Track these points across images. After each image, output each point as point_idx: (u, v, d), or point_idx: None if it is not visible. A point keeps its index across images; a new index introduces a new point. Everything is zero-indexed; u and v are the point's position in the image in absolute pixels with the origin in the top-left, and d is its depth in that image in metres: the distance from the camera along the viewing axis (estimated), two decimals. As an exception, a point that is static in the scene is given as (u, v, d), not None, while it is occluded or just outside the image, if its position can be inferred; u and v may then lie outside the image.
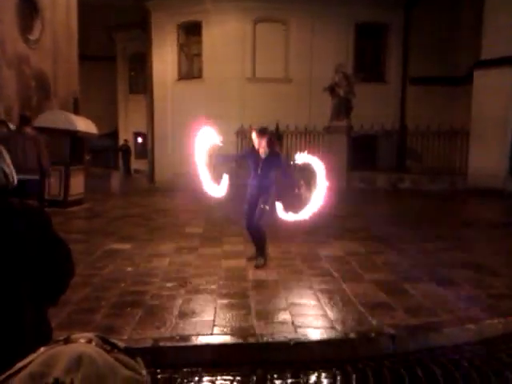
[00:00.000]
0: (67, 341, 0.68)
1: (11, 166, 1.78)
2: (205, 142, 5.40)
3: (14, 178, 1.78)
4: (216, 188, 5.61)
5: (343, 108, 15.58)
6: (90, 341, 0.67)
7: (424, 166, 16.21)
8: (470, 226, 9.25)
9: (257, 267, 5.83)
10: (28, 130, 8.09)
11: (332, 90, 15.63)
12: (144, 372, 0.67)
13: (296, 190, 5.58)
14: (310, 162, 5.53)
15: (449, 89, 17.81)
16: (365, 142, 16.38)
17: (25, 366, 0.64)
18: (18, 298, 1.71)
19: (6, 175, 1.73)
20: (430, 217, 10.53)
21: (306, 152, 5.66)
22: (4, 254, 1.69)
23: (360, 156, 15.89)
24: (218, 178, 5.63)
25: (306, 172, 5.71)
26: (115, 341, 0.70)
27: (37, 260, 1.73)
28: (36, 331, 1.76)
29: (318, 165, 5.47)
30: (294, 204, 5.75)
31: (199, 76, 18.91)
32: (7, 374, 0.65)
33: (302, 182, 5.58)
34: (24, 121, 8.24)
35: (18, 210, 1.75)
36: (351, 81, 15.69)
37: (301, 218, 5.65)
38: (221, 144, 5.44)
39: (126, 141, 24.55)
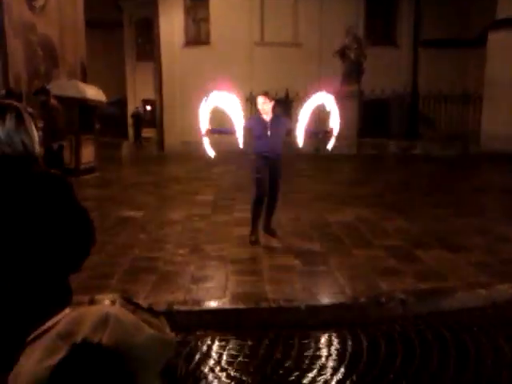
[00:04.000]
0: (91, 302, 0.69)
1: (34, 137, 1.80)
2: (213, 104, 5.36)
3: (36, 148, 1.80)
4: (212, 151, 5.60)
5: (354, 72, 15.31)
6: (114, 301, 0.69)
7: (436, 131, 16.00)
8: (482, 192, 9.19)
9: (251, 243, 5.59)
10: (52, 100, 8.25)
11: (342, 53, 15.34)
12: (168, 330, 0.69)
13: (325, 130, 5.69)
14: (325, 102, 5.52)
15: (461, 51, 17.38)
16: (376, 107, 16.15)
17: (52, 327, 0.66)
18: (40, 264, 1.76)
19: (24, 145, 1.75)
20: (441, 183, 10.46)
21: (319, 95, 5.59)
22: (25, 221, 1.73)
23: (371, 122, 15.70)
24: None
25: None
26: (138, 302, 0.72)
27: (59, 227, 1.77)
28: (57, 295, 1.81)
29: (332, 103, 5.49)
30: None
31: (207, 41, 18.62)
32: (35, 334, 0.67)
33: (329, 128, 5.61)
34: (45, 92, 8.37)
35: (39, 178, 1.78)
36: (362, 44, 15.36)
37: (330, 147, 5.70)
38: (238, 106, 5.39)
39: (137, 108, 24.35)
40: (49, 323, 0.67)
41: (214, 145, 5.58)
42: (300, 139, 5.49)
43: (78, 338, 0.61)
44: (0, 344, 1.69)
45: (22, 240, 1.73)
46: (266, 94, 5.60)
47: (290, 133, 5.65)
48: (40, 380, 0.59)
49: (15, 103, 1.87)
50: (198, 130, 5.44)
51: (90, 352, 0.60)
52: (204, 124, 5.39)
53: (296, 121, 5.55)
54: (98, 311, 0.66)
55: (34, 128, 1.82)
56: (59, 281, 1.86)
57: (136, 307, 0.69)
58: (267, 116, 5.48)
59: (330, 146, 5.75)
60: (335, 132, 5.63)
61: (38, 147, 1.84)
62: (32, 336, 0.67)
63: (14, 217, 1.72)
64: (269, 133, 5.44)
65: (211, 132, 5.46)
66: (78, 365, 0.60)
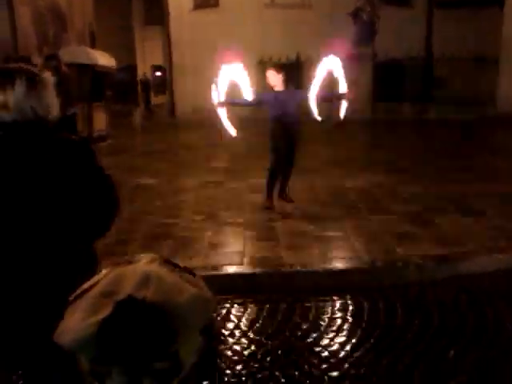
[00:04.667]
0: (130, 261, 0.70)
1: (48, 102, 1.77)
2: (226, 78, 5.28)
3: (51, 113, 1.77)
4: (231, 127, 5.55)
5: (367, 34, 14.95)
6: (153, 260, 0.70)
7: (451, 94, 15.69)
8: (499, 155, 9.06)
9: (266, 209, 5.65)
10: (63, 66, 8.17)
11: (355, 15, 14.94)
12: (207, 289, 0.70)
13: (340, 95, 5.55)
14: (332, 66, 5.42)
15: (478, 12, 16.79)
16: (389, 70, 15.82)
17: (93, 286, 0.67)
18: (66, 230, 1.77)
19: (34, 111, 1.72)
20: (456, 147, 10.33)
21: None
22: (48, 187, 1.72)
23: (385, 85, 15.42)
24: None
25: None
26: (175, 261, 0.72)
27: (83, 192, 1.77)
28: (84, 261, 1.84)
29: (338, 65, 5.38)
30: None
31: (215, 3, 18.21)
32: (76, 293, 0.68)
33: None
34: (56, 58, 8.28)
35: (59, 144, 1.76)
36: (375, 4, 14.93)
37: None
38: (247, 77, 5.32)
39: (145, 74, 24.14)
40: (89, 282, 0.68)
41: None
42: (314, 108, 5.41)
43: (122, 296, 0.62)
44: (30, 311, 1.74)
45: (47, 207, 1.73)
46: (273, 67, 5.55)
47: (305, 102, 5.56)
48: (87, 336, 0.61)
49: (27, 67, 1.81)
50: (213, 103, 5.37)
51: (136, 308, 0.62)
52: (217, 97, 5.32)
53: (308, 87, 5.46)
54: (140, 270, 0.67)
55: (49, 93, 1.78)
56: (86, 247, 1.88)
57: (174, 266, 0.70)
58: (278, 88, 5.42)
59: (342, 113, 5.64)
60: (348, 96, 5.50)
61: (56, 113, 1.80)
62: (73, 295, 0.68)
63: (36, 184, 1.71)
64: (283, 99, 5.38)
65: (225, 104, 5.40)
66: (124, 321, 0.61)
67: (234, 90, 5.56)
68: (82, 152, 1.80)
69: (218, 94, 5.31)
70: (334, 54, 5.46)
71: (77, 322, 0.63)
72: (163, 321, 0.62)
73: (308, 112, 5.55)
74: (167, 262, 0.71)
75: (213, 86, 5.30)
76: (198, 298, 0.66)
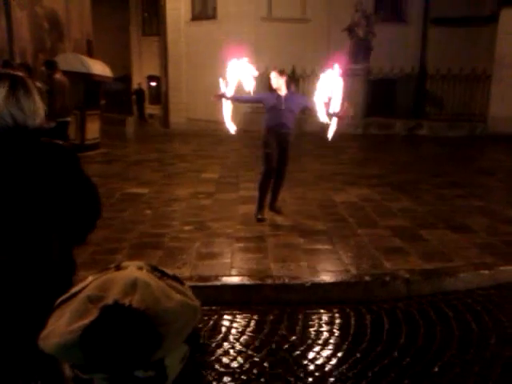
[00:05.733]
0: (118, 268, 0.70)
1: (30, 109, 1.72)
2: (235, 74, 5.30)
3: (33, 120, 1.73)
4: (231, 124, 5.56)
5: (362, 50, 15.11)
6: (141, 267, 0.70)
7: (443, 111, 15.84)
8: (488, 174, 9.15)
9: (258, 220, 5.62)
10: (57, 75, 8.17)
11: (351, 30, 15.11)
12: (194, 297, 0.70)
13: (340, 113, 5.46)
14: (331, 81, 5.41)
15: (472, 30, 17.02)
16: (383, 86, 15.94)
17: (80, 291, 0.67)
18: (45, 235, 1.76)
19: (13, 118, 1.68)
20: (447, 164, 10.41)
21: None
22: (28, 191, 1.71)
23: (377, 101, 15.53)
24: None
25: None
26: (164, 269, 0.73)
27: (64, 198, 1.76)
28: (63, 267, 1.83)
29: (336, 80, 5.34)
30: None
31: (213, 16, 18.36)
32: (62, 298, 0.68)
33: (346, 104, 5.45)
34: (51, 65, 8.27)
35: (40, 149, 1.74)
36: (371, 21, 15.11)
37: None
38: (255, 75, 5.34)
39: (139, 84, 24.23)
40: (76, 288, 0.68)
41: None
42: (322, 116, 5.36)
43: (109, 301, 0.62)
44: (9, 315, 1.72)
45: (26, 211, 1.71)
46: (276, 70, 5.56)
47: (307, 110, 5.58)
48: (71, 341, 0.61)
49: (14, 73, 1.79)
50: (217, 97, 5.39)
51: (122, 314, 0.62)
52: (225, 90, 5.33)
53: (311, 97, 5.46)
54: (127, 276, 0.67)
55: (33, 100, 1.74)
56: (65, 252, 1.87)
57: (162, 274, 0.71)
58: (281, 92, 5.43)
59: (331, 132, 5.50)
60: (341, 115, 5.39)
61: (40, 120, 1.76)
62: (59, 300, 0.69)
63: (15, 189, 1.69)
64: (283, 106, 5.36)
65: (230, 98, 5.39)
66: (109, 326, 0.61)
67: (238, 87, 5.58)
68: (64, 156, 1.78)
69: (226, 87, 5.32)
70: (333, 69, 5.46)
71: (62, 327, 0.63)
72: (149, 327, 0.62)
73: (301, 125, 5.57)
74: (155, 269, 0.71)
75: (220, 80, 5.32)
76: (184, 306, 0.67)
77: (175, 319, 0.64)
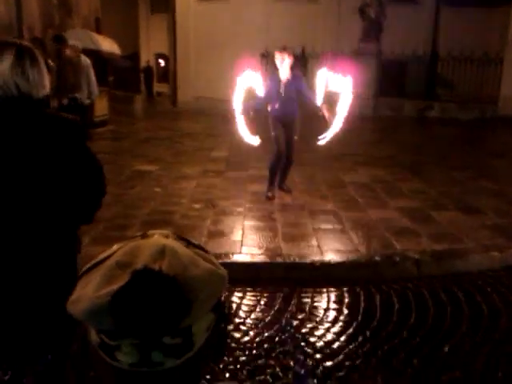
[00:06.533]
0: (144, 236, 0.70)
1: (35, 79, 1.69)
2: (245, 86, 5.26)
3: (38, 91, 1.70)
4: (251, 136, 5.56)
5: (373, 30, 14.87)
6: (167, 236, 0.70)
7: (454, 93, 15.62)
8: (499, 156, 9.05)
9: (268, 198, 5.67)
10: (68, 50, 8.06)
11: (362, 11, 14.85)
12: (220, 266, 0.69)
13: (319, 113, 5.41)
14: (334, 81, 5.36)
15: (485, 11, 16.67)
16: (394, 67, 15.72)
17: (106, 258, 0.66)
18: (47, 209, 1.72)
19: (18, 87, 1.65)
20: (457, 146, 10.32)
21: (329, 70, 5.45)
22: (30, 162, 1.67)
23: (388, 82, 15.33)
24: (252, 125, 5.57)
25: (331, 93, 5.51)
26: (189, 238, 0.72)
27: (67, 173, 1.71)
28: (65, 243, 1.81)
29: (343, 83, 5.28)
30: (317, 127, 5.65)
31: (223, -6, 18.08)
32: (89, 265, 0.68)
33: (324, 105, 5.39)
34: (60, 40, 8.15)
35: (45, 121, 1.71)
36: (383, 1, 14.84)
37: (324, 141, 5.55)
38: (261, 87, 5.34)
39: (147, 62, 24.09)
40: (102, 255, 0.68)
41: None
42: (318, 99, 5.36)
43: (138, 266, 0.62)
44: (16, 291, 1.72)
45: (30, 185, 1.68)
46: (284, 49, 5.42)
47: (304, 98, 5.49)
48: (100, 306, 0.61)
49: (20, 42, 1.75)
50: (234, 112, 5.36)
51: (152, 279, 0.61)
52: (239, 104, 5.29)
53: (312, 82, 5.43)
54: (155, 243, 0.67)
55: (38, 70, 1.70)
56: (69, 230, 1.84)
57: (188, 243, 0.70)
58: (284, 74, 5.34)
59: (322, 139, 5.51)
60: (335, 124, 5.32)
61: (44, 91, 1.73)
62: (85, 267, 0.68)
63: (18, 161, 1.66)
64: (282, 94, 5.35)
65: (248, 111, 5.37)
66: (139, 291, 0.61)
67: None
68: (69, 130, 1.74)
69: (237, 102, 5.28)
70: (330, 67, 5.42)
71: (90, 292, 0.62)
72: (178, 292, 0.61)
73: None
74: (181, 238, 0.71)
75: (234, 96, 5.27)
76: (212, 273, 0.66)
77: (203, 287, 0.64)
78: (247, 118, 5.43)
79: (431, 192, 6.19)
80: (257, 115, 5.52)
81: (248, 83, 5.30)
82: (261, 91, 5.45)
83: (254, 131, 5.60)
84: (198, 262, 0.66)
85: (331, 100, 5.54)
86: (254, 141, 5.65)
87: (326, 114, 5.35)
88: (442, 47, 16.23)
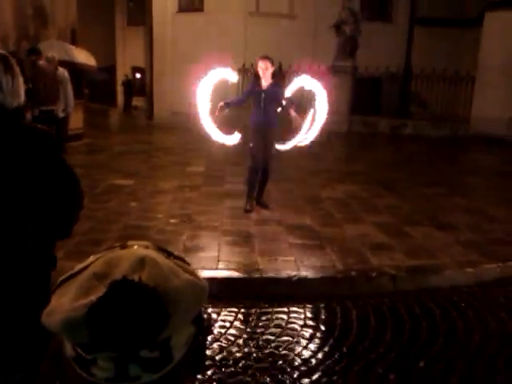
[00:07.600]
0: (123, 247, 0.68)
1: (4, 88, 1.64)
2: (211, 85, 5.25)
3: (5, 100, 1.64)
4: (224, 136, 5.55)
5: (349, 47, 15.14)
6: (147, 246, 0.68)
7: (428, 111, 15.99)
8: (471, 173, 9.27)
9: (246, 212, 5.68)
10: (41, 62, 7.94)
11: (338, 27, 15.13)
12: (200, 277, 0.68)
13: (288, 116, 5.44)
14: (309, 86, 5.44)
15: (457, 32, 17.22)
16: (368, 84, 16.05)
17: (83, 269, 0.64)
18: (21, 224, 1.67)
19: None
20: (430, 163, 10.52)
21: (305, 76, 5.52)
22: (4, 174, 1.62)
23: (363, 99, 15.60)
24: (228, 125, 5.55)
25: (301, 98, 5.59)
26: (169, 249, 0.70)
27: (43, 185, 1.67)
28: (40, 258, 1.76)
29: (318, 89, 5.37)
30: (287, 132, 5.69)
31: (200, 8, 18.20)
32: (66, 275, 0.65)
33: (292, 108, 5.42)
34: (35, 52, 8.04)
35: (18, 131, 1.66)
36: (358, 18, 15.15)
37: (288, 147, 5.56)
38: (234, 81, 5.34)
39: (126, 76, 23.91)
40: (80, 265, 0.65)
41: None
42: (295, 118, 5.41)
43: (117, 277, 0.60)
44: None
45: (4, 198, 1.63)
46: (266, 57, 5.46)
47: (283, 108, 5.53)
48: (76, 318, 0.58)
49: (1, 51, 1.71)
50: (196, 110, 5.32)
51: (131, 290, 0.59)
52: (206, 104, 5.26)
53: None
54: (134, 254, 0.64)
55: (12, 79, 1.66)
56: (44, 245, 1.79)
57: (168, 254, 0.68)
58: (265, 82, 5.39)
59: (288, 145, 5.56)
60: (303, 131, 5.39)
61: (18, 100, 1.69)
62: (61, 278, 0.66)
63: None
64: (262, 103, 5.38)
65: (224, 107, 5.33)
66: (117, 302, 0.58)
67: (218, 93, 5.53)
68: (43, 141, 1.70)
69: (202, 98, 5.26)
70: (309, 75, 5.49)
71: (66, 304, 0.60)
72: (158, 304, 0.59)
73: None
74: (161, 249, 0.69)
75: (197, 90, 5.25)
76: (193, 285, 0.64)
77: (184, 298, 0.62)
78: (221, 115, 5.37)
79: (405, 208, 6.28)
80: (236, 113, 5.51)
81: (218, 77, 5.28)
82: (235, 81, 5.44)
83: (231, 130, 5.56)
84: (179, 273, 0.64)
85: (304, 103, 5.60)
86: (230, 140, 5.58)
87: (293, 115, 5.35)
88: (416, 65, 16.63)
